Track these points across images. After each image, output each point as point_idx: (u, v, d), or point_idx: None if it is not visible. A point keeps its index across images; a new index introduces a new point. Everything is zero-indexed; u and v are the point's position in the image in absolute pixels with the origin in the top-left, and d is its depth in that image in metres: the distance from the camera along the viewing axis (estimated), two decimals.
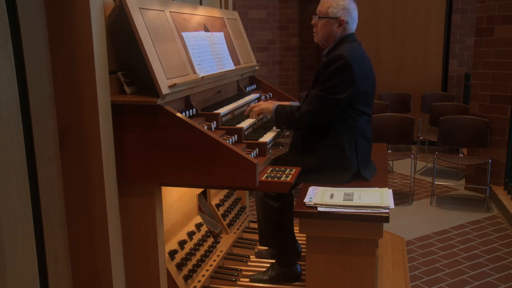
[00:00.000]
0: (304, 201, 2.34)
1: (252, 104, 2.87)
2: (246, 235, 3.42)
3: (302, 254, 3.03)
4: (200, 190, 3.06)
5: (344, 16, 2.57)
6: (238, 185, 2.05)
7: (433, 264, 3.40)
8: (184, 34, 2.41)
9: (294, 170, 2.35)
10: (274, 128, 2.74)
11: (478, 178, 4.87)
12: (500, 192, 4.57)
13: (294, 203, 2.46)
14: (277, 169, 2.36)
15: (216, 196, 3.37)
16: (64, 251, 1.99)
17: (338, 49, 2.55)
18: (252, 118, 2.74)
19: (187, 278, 2.60)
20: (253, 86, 3.43)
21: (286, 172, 2.30)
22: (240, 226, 3.44)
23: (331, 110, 2.51)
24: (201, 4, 3.12)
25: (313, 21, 2.68)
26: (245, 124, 2.56)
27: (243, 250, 3.20)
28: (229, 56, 2.90)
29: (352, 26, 2.64)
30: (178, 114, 2.04)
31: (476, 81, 4.87)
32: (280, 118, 2.63)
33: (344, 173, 2.59)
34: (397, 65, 6.81)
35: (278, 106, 2.67)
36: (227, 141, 2.23)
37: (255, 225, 3.33)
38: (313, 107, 2.51)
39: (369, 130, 2.72)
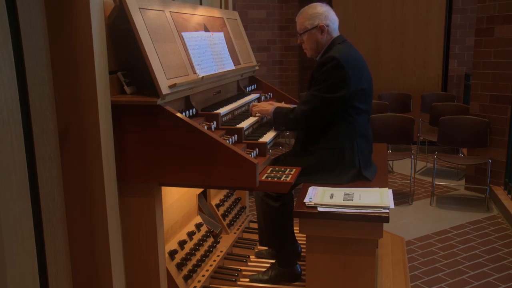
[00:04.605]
0: (304, 201, 2.34)
1: (254, 103, 2.90)
2: (246, 235, 3.42)
3: (302, 254, 3.03)
4: (200, 190, 3.06)
5: (322, 21, 2.62)
6: (238, 185, 2.05)
7: (433, 264, 3.40)
8: (184, 34, 2.41)
9: (294, 170, 2.35)
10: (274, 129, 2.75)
11: (478, 178, 4.87)
12: (500, 192, 4.57)
13: (294, 203, 2.46)
14: (277, 169, 2.36)
15: (216, 196, 3.37)
16: (64, 251, 1.99)
17: (330, 52, 2.57)
18: (254, 116, 2.77)
19: (187, 278, 2.60)
20: (253, 86, 3.43)
21: (286, 172, 2.31)
22: (240, 226, 3.44)
23: (325, 109, 2.53)
24: (201, 4, 3.12)
25: (298, 41, 2.75)
26: (245, 124, 2.56)
27: (243, 250, 3.20)
28: (229, 56, 2.90)
29: (335, 27, 2.68)
30: (178, 114, 2.04)
31: (476, 81, 4.87)
32: (277, 120, 2.68)
33: (345, 174, 2.59)
34: (397, 65, 6.81)
35: (276, 108, 2.70)
36: (227, 141, 2.23)
37: (255, 225, 3.33)
38: (307, 107, 2.54)
39: (369, 130, 2.72)
